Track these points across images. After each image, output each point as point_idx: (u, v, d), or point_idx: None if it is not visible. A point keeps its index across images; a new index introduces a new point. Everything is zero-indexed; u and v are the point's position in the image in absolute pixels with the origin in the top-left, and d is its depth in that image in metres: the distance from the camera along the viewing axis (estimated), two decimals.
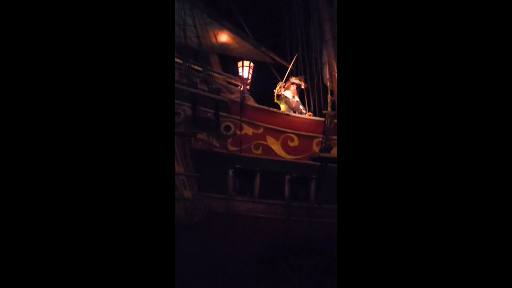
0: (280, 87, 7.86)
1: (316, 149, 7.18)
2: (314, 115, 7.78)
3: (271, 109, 7.35)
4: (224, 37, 8.41)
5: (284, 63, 8.69)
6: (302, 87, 8.11)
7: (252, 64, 7.79)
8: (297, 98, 8.09)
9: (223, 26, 8.32)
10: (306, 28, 8.61)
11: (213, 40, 7.87)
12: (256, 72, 8.27)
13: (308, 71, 8.28)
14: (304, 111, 7.95)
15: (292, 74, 8.44)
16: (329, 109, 7.39)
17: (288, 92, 8.05)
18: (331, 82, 8.06)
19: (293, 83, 8.10)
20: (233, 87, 7.38)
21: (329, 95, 7.58)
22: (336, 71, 8.00)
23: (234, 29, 8.44)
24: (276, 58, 8.72)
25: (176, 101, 6.31)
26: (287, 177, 7.00)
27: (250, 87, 7.65)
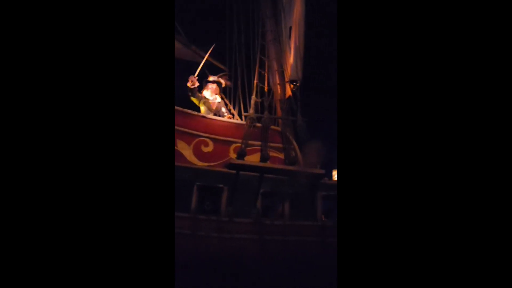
0: (193, 81, 7.01)
1: (233, 155, 6.37)
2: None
3: (185, 110, 6.52)
4: None
5: (216, 63, 7.95)
6: (223, 85, 7.35)
7: None
8: (219, 99, 7.30)
9: None
10: (245, 27, 7.97)
11: None
12: (183, 72, 7.48)
13: (245, 72, 7.58)
14: (226, 114, 7.17)
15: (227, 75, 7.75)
16: (251, 111, 6.63)
17: (206, 93, 7.26)
18: (273, 83, 7.41)
19: (209, 82, 7.34)
20: None
21: (253, 96, 6.82)
22: (276, 69, 7.36)
23: None
24: (208, 57, 7.98)
25: None
26: (195, 186, 6.12)
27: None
